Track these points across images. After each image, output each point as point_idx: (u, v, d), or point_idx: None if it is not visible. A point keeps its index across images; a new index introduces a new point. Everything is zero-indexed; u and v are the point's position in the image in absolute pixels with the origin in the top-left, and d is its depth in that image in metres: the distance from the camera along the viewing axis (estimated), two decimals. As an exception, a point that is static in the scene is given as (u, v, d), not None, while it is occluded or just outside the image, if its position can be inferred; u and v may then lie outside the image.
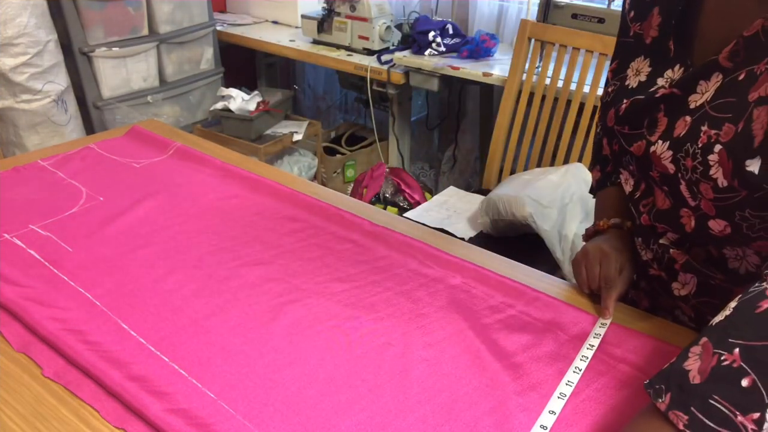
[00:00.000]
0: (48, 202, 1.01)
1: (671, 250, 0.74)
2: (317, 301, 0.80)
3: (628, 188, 0.80)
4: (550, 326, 0.77)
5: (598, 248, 0.81)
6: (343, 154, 2.61)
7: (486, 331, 0.76)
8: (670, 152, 0.68)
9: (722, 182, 0.62)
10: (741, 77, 0.61)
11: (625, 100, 0.75)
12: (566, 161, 1.67)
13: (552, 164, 1.70)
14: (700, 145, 0.64)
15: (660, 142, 0.70)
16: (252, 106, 2.28)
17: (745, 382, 0.48)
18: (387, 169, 2.30)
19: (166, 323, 0.75)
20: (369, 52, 2.23)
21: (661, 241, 0.75)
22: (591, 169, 0.96)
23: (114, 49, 2.02)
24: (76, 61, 1.96)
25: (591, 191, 0.97)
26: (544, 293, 0.81)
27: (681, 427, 0.50)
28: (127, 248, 0.90)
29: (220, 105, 2.31)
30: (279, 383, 0.67)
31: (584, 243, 0.87)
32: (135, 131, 1.28)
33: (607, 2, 2.01)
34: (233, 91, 2.33)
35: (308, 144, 2.55)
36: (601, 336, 0.74)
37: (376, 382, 0.68)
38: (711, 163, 0.63)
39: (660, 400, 0.52)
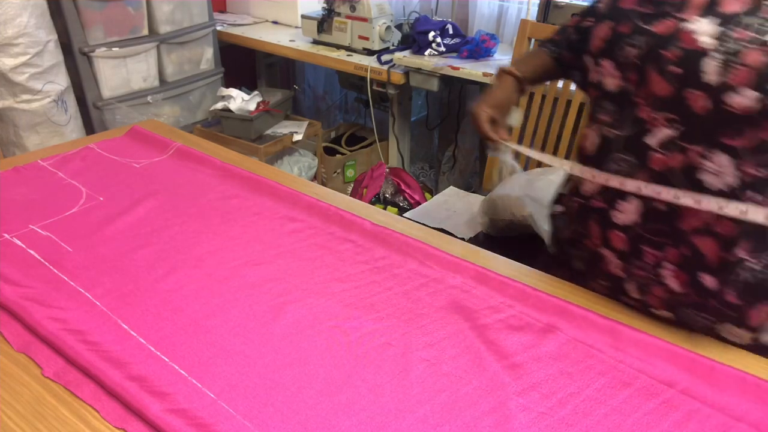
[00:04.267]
0: (48, 202, 1.01)
1: (653, 154, 0.72)
2: (317, 301, 0.80)
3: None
4: (550, 326, 0.77)
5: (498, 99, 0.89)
6: (343, 154, 2.61)
7: (486, 331, 0.76)
8: (619, 262, 0.75)
9: (676, 289, 0.68)
10: (662, 208, 0.68)
11: (574, 201, 0.79)
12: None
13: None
14: (649, 262, 0.70)
15: (604, 248, 0.76)
16: (252, 106, 2.28)
17: None
18: (387, 169, 2.30)
19: (166, 323, 0.75)
20: (369, 52, 2.23)
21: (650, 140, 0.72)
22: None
23: (114, 49, 2.02)
24: (76, 61, 1.95)
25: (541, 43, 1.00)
26: (544, 293, 0.81)
27: None
28: (127, 248, 0.90)
29: (220, 105, 2.31)
30: (279, 383, 0.67)
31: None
32: (135, 131, 1.28)
33: (607, 2, 2.01)
34: (233, 91, 2.33)
35: (308, 144, 2.55)
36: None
37: (376, 382, 0.68)
38: (664, 274, 0.69)
39: None
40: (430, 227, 1.01)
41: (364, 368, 0.70)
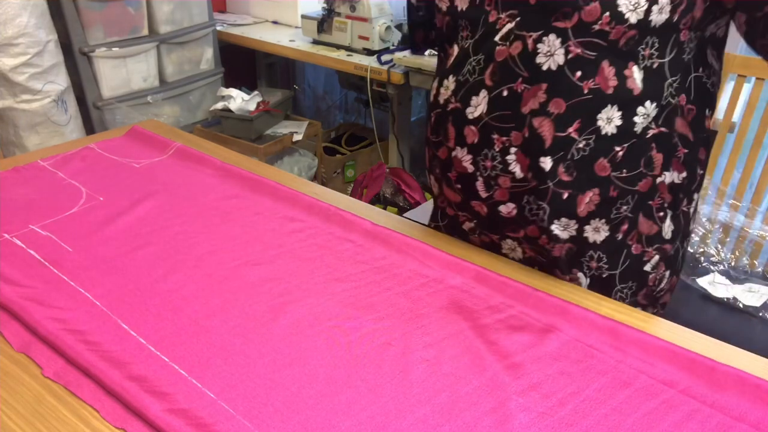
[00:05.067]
0: (48, 202, 1.01)
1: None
2: (317, 301, 0.80)
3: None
4: (550, 326, 0.77)
5: None
6: (343, 154, 2.61)
7: (486, 331, 0.76)
8: (470, 156, 0.84)
9: (519, 174, 0.80)
10: (505, 93, 0.79)
11: (432, 114, 0.90)
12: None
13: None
14: (497, 149, 0.81)
15: (458, 148, 0.85)
16: (252, 106, 2.29)
17: None
18: (387, 169, 2.30)
19: (166, 323, 0.75)
20: (369, 52, 2.23)
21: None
22: None
23: (114, 49, 2.02)
24: (76, 61, 1.96)
25: None
26: (544, 293, 0.81)
27: None
28: (127, 248, 0.90)
29: (220, 105, 2.31)
30: (279, 383, 0.67)
31: None
32: (135, 131, 1.28)
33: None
34: (233, 91, 2.33)
35: (308, 144, 2.55)
36: None
37: (376, 382, 0.68)
38: (510, 160, 0.81)
39: None
40: (430, 227, 1.01)
41: (364, 368, 0.70)
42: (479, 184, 0.86)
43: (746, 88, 1.47)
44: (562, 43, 0.75)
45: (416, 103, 2.60)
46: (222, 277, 0.84)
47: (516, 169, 0.81)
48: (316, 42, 2.36)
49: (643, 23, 0.72)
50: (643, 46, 0.74)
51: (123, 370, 0.66)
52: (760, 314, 1.22)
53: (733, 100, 1.43)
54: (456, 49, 0.86)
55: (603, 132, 0.77)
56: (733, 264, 1.39)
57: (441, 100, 0.88)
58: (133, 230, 0.94)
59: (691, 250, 1.43)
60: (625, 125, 0.77)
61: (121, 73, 2.09)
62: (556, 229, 0.83)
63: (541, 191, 0.81)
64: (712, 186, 1.46)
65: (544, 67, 0.76)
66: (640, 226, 0.83)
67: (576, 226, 0.82)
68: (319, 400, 0.65)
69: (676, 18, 0.73)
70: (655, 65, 0.76)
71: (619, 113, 0.76)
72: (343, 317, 0.77)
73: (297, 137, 2.36)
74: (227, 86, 2.42)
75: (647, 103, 0.77)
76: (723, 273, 1.33)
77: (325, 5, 2.28)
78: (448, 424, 0.63)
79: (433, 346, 0.73)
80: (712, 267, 1.35)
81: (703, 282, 1.29)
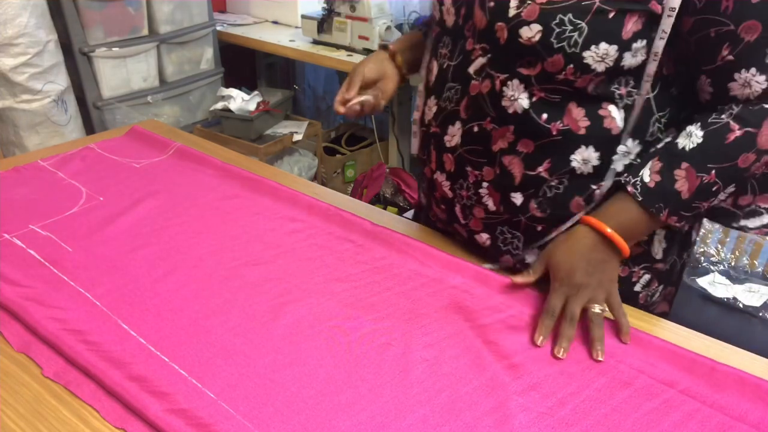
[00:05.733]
0: (48, 202, 1.01)
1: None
2: (317, 301, 0.80)
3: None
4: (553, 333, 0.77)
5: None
6: (343, 154, 2.61)
7: (486, 331, 0.76)
8: (449, 183, 0.86)
9: (492, 207, 0.82)
10: (475, 129, 0.80)
11: (419, 131, 0.92)
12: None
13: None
14: (471, 182, 0.83)
15: (438, 172, 0.88)
16: (252, 106, 2.29)
17: (714, 188, 0.71)
18: (387, 169, 2.30)
19: (166, 323, 0.75)
20: (369, 52, 2.23)
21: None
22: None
23: (114, 49, 2.02)
24: (76, 61, 1.95)
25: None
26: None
27: (674, 223, 0.73)
28: (127, 248, 0.90)
29: (220, 105, 2.31)
30: (279, 383, 0.67)
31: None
32: (135, 131, 1.28)
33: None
34: (233, 91, 2.33)
35: (308, 144, 2.55)
36: None
37: (376, 382, 0.68)
38: (482, 193, 0.82)
39: (661, 214, 0.72)
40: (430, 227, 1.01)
41: (364, 368, 0.70)
42: (458, 210, 0.88)
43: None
44: (526, 88, 0.74)
45: (416, 103, 2.60)
46: (222, 277, 0.84)
47: (489, 202, 0.82)
48: (316, 42, 2.36)
49: (613, 69, 0.71)
50: (616, 86, 0.73)
51: (123, 370, 0.66)
52: (760, 314, 1.22)
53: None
54: (436, 67, 0.86)
55: (578, 172, 0.76)
56: (733, 264, 1.39)
57: (426, 119, 0.89)
58: (133, 230, 0.94)
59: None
60: (604, 165, 0.75)
61: (121, 73, 2.09)
62: (531, 260, 0.83)
63: (514, 223, 0.82)
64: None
65: (510, 111, 0.76)
66: None
67: None
68: (319, 400, 0.65)
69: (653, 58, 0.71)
70: (636, 102, 0.74)
71: (597, 153, 0.75)
72: (343, 317, 0.77)
73: (297, 137, 2.36)
74: (227, 86, 2.42)
75: (629, 142, 0.75)
76: (723, 273, 1.33)
77: (325, 5, 2.28)
78: (448, 424, 0.63)
79: (433, 346, 0.73)
80: (712, 267, 1.35)
81: (703, 282, 1.29)
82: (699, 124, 0.71)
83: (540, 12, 0.69)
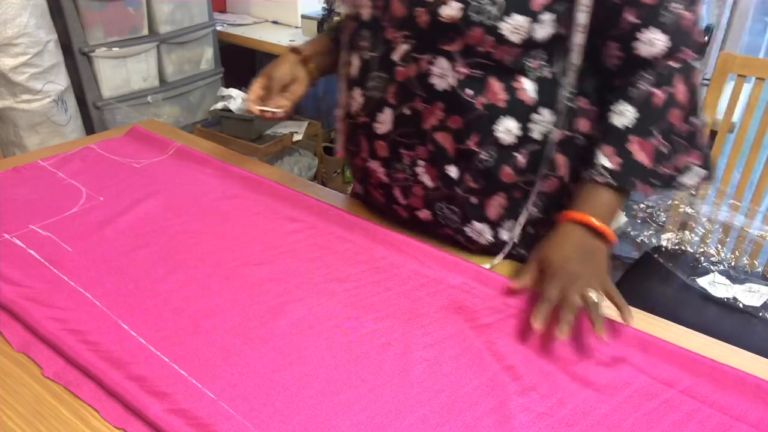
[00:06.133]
0: (48, 202, 1.01)
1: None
2: (317, 301, 0.80)
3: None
4: (550, 326, 0.77)
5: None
6: (343, 154, 2.60)
7: (486, 331, 0.76)
8: (384, 169, 0.91)
9: (430, 184, 0.87)
10: (407, 112, 0.84)
11: (345, 123, 0.96)
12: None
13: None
14: (407, 162, 0.87)
15: (371, 160, 0.92)
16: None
17: (666, 150, 0.78)
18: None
19: (166, 323, 0.75)
20: (369, 52, 2.23)
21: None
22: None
23: (114, 49, 2.02)
24: (76, 61, 1.95)
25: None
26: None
27: (650, 192, 0.79)
28: (127, 248, 0.90)
29: (220, 105, 2.31)
30: (279, 383, 0.67)
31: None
32: (135, 131, 1.28)
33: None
34: (233, 91, 2.33)
35: (308, 144, 2.55)
36: None
37: (376, 382, 0.68)
38: (419, 172, 0.87)
39: (636, 188, 0.78)
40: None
41: (364, 368, 0.70)
42: (397, 192, 0.93)
43: (746, 88, 1.46)
44: (451, 64, 0.79)
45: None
46: (222, 277, 0.84)
47: (426, 179, 0.87)
48: (316, 42, 2.35)
49: (528, 41, 0.77)
50: (529, 60, 0.79)
51: (123, 370, 0.66)
52: (760, 314, 1.21)
53: (733, 100, 1.43)
54: (356, 61, 0.90)
55: (503, 143, 0.82)
56: (733, 264, 1.39)
57: (351, 111, 0.92)
58: (133, 230, 0.94)
59: (691, 250, 1.43)
60: (524, 134, 0.82)
61: (121, 73, 2.09)
62: (470, 232, 0.90)
63: (451, 197, 0.87)
64: (712, 186, 1.46)
65: (438, 88, 0.81)
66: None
67: (491, 232, 0.89)
68: (319, 400, 0.65)
69: (563, 30, 0.78)
70: (547, 74, 0.80)
71: (517, 124, 0.81)
72: (343, 317, 0.77)
73: (297, 137, 2.36)
74: (227, 86, 2.41)
75: (543, 111, 0.81)
76: (723, 273, 1.33)
77: (325, 5, 2.28)
78: (448, 424, 0.63)
79: (433, 346, 0.73)
80: (712, 267, 1.35)
81: (703, 282, 1.29)
82: (622, 100, 0.79)
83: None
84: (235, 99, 2.29)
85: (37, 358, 0.70)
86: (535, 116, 0.81)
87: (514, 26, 0.75)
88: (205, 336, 0.73)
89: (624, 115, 0.78)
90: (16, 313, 0.75)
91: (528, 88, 0.80)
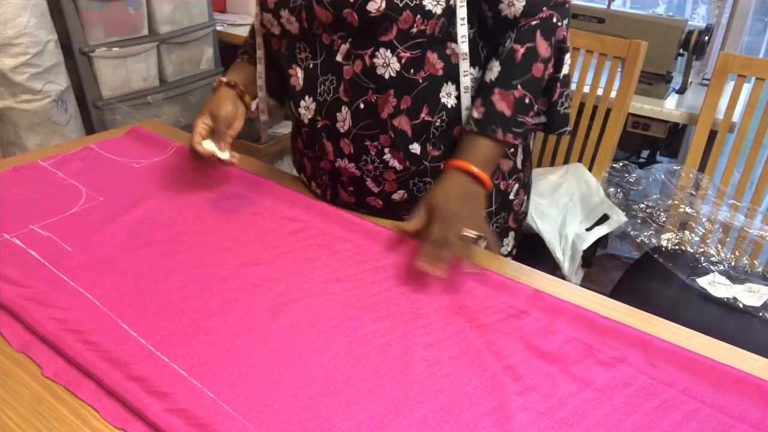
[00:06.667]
0: (48, 202, 1.01)
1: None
2: (317, 301, 0.80)
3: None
4: (550, 326, 0.77)
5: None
6: (343, 154, 2.60)
7: (486, 331, 0.76)
8: (353, 164, 0.95)
9: (399, 167, 0.94)
10: (362, 106, 0.90)
11: (302, 131, 1.01)
12: (566, 161, 1.67)
13: (552, 164, 1.70)
14: (374, 153, 0.93)
15: (339, 159, 0.96)
16: (252, 106, 2.28)
17: (527, 100, 0.88)
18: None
19: (166, 323, 0.75)
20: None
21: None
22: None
23: (114, 49, 2.01)
24: (76, 61, 1.95)
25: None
26: (543, 293, 0.81)
27: (511, 140, 0.88)
28: (127, 248, 0.90)
29: (220, 105, 2.30)
30: (279, 383, 0.67)
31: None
32: (135, 131, 1.28)
33: (607, 2, 2.01)
34: (233, 91, 2.32)
35: (308, 144, 2.55)
36: None
37: (376, 382, 0.68)
38: (387, 158, 0.93)
39: (497, 135, 0.87)
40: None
41: (364, 368, 0.70)
42: (369, 183, 0.97)
43: (746, 88, 1.46)
44: (392, 52, 0.86)
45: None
46: (222, 277, 0.84)
47: (395, 163, 0.94)
48: (316, 42, 2.36)
49: (448, 9, 0.85)
50: (452, 27, 0.87)
51: (123, 370, 0.66)
52: (760, 314, 1.21)
53: (733, 100, 1.43)
54: (300, 71, 0.94)
55: (449, 105, 0.91)
56: (733, 264, 1.39)
57: (305, 120, 0.95)
58: (133, 230, 0.94)
59: (691, 250, 1.43)
60: (461, 93, 0.91)
61: (121, 73, 2.09)
62: None
63: (421, 171, 0.95)
64: (712, 186, 1.46)
65: (386, 76, 0.88)
66: (502, 166, 1.00)
67: None
68: (319, 400, 0.65)
69: None
70: (472, 36, 0.91)
71: (454, 85, 0.91)
72: (343, 317, 0.77)
73: (297, 137, 2.36)
74: (227, 86, 2.41)
75: (472, 70, 0.92)
76: (723, 273, 1.33)
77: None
78: (448, 424, 0.63)
79: (433, 346, 0.73)
80: (712, 267, 1.35)
81: (703, 282, 1.29)
82: (493, 57, 0.90)
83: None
84: (235, 99, 2.29)
85: (37, 358, 0.70)
86: (467, 72, 0.91)
87: None
88: (205, 336, 0.73)
89: (492, 70, 0.89)
90: (16, 313, 0.75)
91: (458, 52, 0.89)
